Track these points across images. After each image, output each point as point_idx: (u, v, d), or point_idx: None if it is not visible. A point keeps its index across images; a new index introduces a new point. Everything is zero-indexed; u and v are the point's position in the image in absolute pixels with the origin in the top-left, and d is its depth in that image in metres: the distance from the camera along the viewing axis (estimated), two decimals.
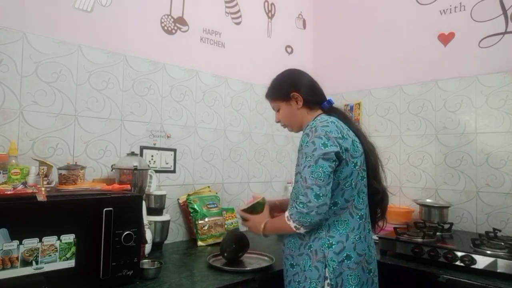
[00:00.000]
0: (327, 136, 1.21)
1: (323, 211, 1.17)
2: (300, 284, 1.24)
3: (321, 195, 1.16)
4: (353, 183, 1.26)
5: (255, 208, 1.45)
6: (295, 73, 1.45)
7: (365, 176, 1.33)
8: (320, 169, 1.17)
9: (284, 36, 2.70)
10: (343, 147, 1.22)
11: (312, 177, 1.17)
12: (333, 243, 1.22)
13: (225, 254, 1.57)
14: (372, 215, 1.39)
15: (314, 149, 1.20)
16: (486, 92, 2.05)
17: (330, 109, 1.39)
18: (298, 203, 1.18)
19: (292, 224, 1.20)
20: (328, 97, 1.42)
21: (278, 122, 1.47)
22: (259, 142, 2.48)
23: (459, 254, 1.52)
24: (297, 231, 1.21)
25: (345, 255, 1.21)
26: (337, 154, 1.20)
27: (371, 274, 1.27)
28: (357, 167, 1.27)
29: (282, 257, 1.36)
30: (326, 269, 1.20)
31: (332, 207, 1.24)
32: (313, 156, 1.19)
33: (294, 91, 1.37)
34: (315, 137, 1.21)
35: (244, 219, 1.45)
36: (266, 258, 1.65)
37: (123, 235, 1.25)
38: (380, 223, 1.42)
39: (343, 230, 1.23)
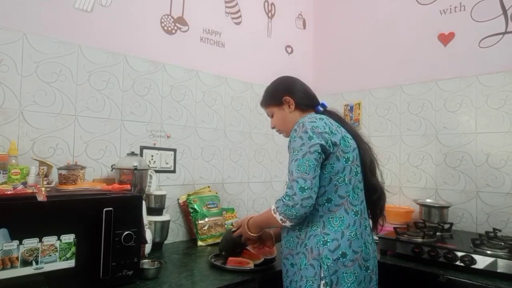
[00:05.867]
0: (313, 130, 1.23)
1: (308, 204, 1.17)
2: (297, 284, 1.24)
3: (306, 188, 1.17)
4: (347, 179, 1.26)
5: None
6: (287, 79, 1.49)
7: (360, 171, 1.33)
8: (306, 162, 1.19)
9: (284, 36, 2.70)
10: (330, 141, 1.23)
11: (298, 170, 1.19)
12: (328, 240, 1.21)
13: (223, 253, 1.57)
14: (372, 213, 1.40)
15: (301, 144, 1.22)
16: (486, 92, 2.05)
17: (324, 111, 1.42)
18: (284, 195, 1.20)
19: (278, 217, 1.22)
20: (321, 101, 1.45)
21: (273, 128, 1.51)
22: (259, 142, 2.48)
23: (459, 254, 1.52)
24: (283, 224, 1.22)
25: (340, 253, 1.21)
26: (322, 147, 1.21)
27: (368, 271, 1.27)
28: (349, 162, 1.27)
29: (281, 258, 1.37)
30: (321, 267, 1.20)
31: (326, 204, 1.25)
32: (300, 150, 1.21)
33: (286, 95, 1.41)
34: (302, 132, 1.24)
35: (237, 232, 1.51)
36: (266, 258, 1.64)
37: (123, 235, 1.24)
38: (380, 221, 1.43)
39: (338, 227, 1.23)
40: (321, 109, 1.42)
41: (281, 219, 1.21)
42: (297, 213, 1.17)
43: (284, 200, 1.19)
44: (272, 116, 1.48)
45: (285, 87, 1.44)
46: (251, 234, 1.43)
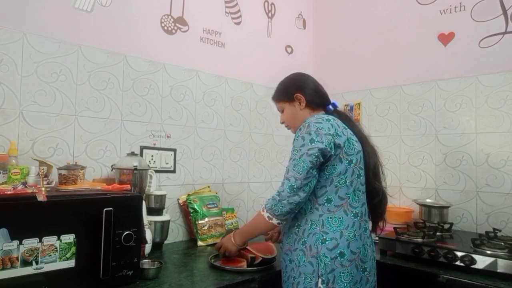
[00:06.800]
0: (317, 132, 1.24)
1: (295, 201, 1.21)
2: (295, 280, 1.26)
3: (295, 187, 1.20)
4: (348, 181, 1.27)
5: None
6: (300, 76, 1.50)
7: (362, 174, 1.34)
8: (302, 163, 1.21)
9: (284, 36, 2.70)
10: (333, 144, 1.24)
11: (293, 169, 1.22)
12: (327, 239, 1.23)
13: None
14: (372, 216, 1.40)
15: (302, 144, 1.24)
16: (486, 92, 2.05)
17: (334, 112, 1.43)
18: (275, 191, 1.24)
19: (265, 214, 1.26)
20: (332, 100, 1.46)
21: (282, 123, 1.52)
22: (259, 142, 2.48)
23: (459, 254, 1.52)
24: (270, 221, 1.25)
25: (338, 252, 1.22)
26: (322, 151, 1.21)
27: (365, 273, 1.28)
28: (352, 164, 1.28)
29: (281, 254, 1.38)
30: (319, 265, 1.21)
31: (326, 204, 1.26)
32: (299, 150, 1.24)
33: (298, 92, 1.42)
34: (305, 132, 1.25)
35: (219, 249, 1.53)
36: (266, 257, 1.64)
37: (123, 235, 1.25)
38: (380, 224, 1.43)
39: (337, 228, 1.24)
40: (331, 108, 1.43)
41: (268, 216, 1.25)
42: (283, 208, 1.21)
43: (273, 196, 1.24)
44: (282, 111, 1.49)
45: (297, 84, 1.45)
46: (235, 242, 1.45)
